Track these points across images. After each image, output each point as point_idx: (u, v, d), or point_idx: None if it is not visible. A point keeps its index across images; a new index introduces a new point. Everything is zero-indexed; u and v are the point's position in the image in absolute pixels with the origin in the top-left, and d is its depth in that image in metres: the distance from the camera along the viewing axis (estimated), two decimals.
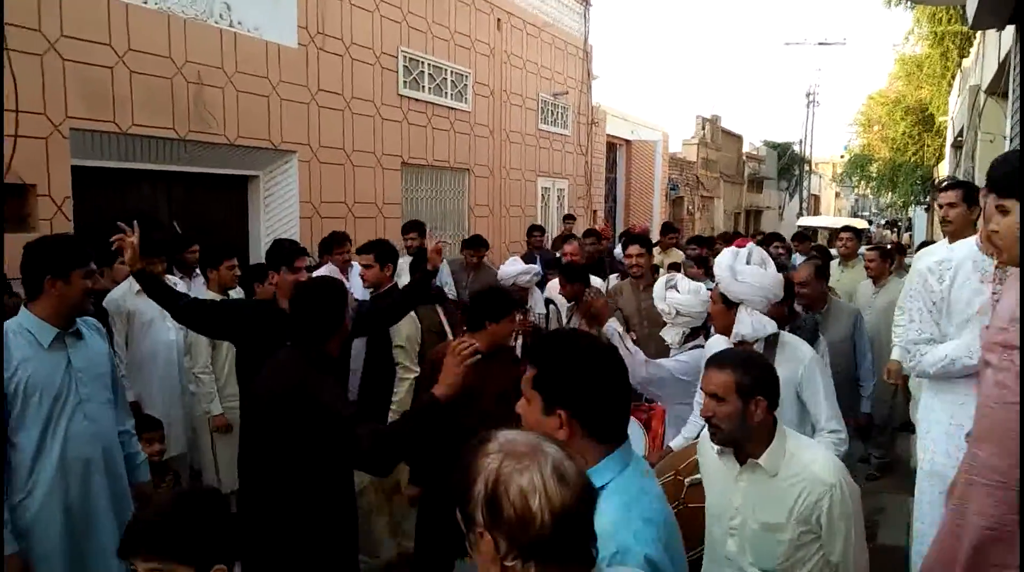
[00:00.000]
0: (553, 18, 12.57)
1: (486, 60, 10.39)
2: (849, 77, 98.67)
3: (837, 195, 54.57)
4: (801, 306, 4.32)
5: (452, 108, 9.62)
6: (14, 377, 2.62)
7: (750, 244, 3.25)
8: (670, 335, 3.80)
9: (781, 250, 7.68)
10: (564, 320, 5.27)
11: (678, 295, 3.69)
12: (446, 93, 9.51)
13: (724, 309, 3.12)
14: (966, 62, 11.20)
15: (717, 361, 2.27)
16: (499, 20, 10.68)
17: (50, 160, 5.06)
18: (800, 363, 3.01)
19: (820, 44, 35.04)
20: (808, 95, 35.35)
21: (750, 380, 2.17)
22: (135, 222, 3.44)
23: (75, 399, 2.77)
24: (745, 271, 3.07)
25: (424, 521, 3.45)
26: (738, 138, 27.99)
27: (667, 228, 9.08)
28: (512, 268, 5.55)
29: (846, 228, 7.65)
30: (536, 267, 5.69)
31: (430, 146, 9.24)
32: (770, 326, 3.02)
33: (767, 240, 8.15)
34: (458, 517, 1.21)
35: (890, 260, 6.17)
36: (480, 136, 10.36)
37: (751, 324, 3.02)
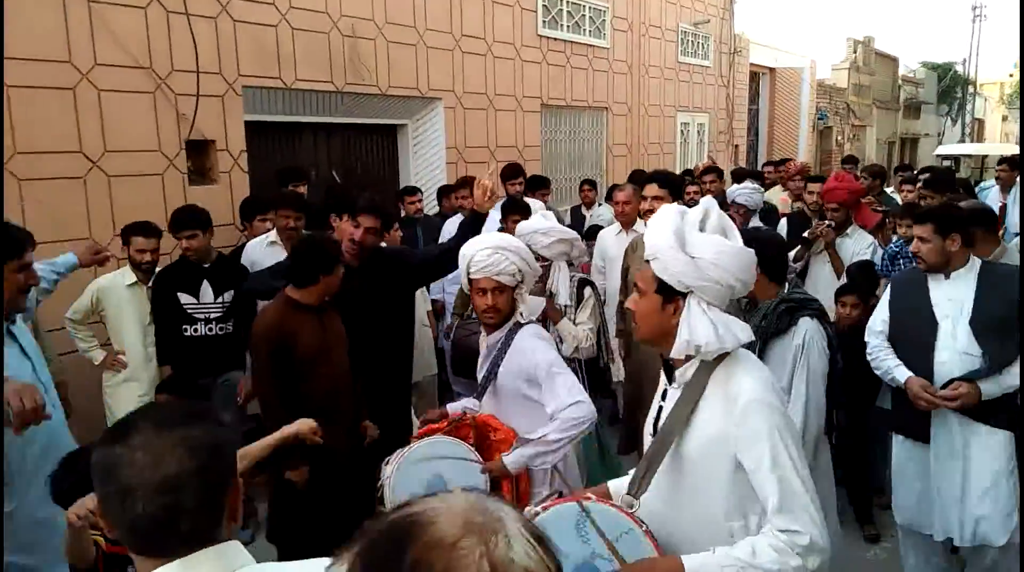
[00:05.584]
0: None
1: None
2: None
3: (1004, 119, 49.71)
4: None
5: (590, 45, 9.49)
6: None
7: (707, 199, 1.99)
8: None
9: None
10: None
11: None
12: (584, 30, 9.38)
13: (658, 303, 1.88)
14: None
15: None
16: None
17: (227, 116, 5.48)
18: (733, 405, 1.79)
19: None
20: (974, 9, 32.26)
21: None
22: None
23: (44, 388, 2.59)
24: (699, 241, 1.85)
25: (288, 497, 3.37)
26: (893, 60, 25.99)
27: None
28: (533, 225, 3.61)
29: (1003, 159, 6.80)
30: (573, 233, 3.71)
31: (568, 86, 9.20)
32: (743, 334, 1.85)
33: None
34: None
35: None
36: (618, 73, 10.18)
37: (713, 328, 1.81)
